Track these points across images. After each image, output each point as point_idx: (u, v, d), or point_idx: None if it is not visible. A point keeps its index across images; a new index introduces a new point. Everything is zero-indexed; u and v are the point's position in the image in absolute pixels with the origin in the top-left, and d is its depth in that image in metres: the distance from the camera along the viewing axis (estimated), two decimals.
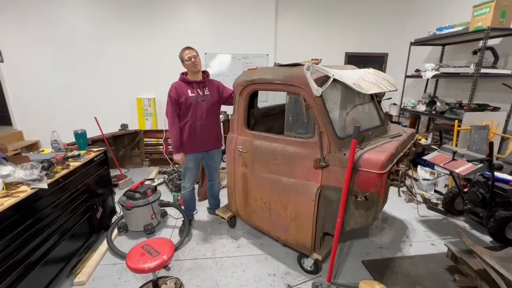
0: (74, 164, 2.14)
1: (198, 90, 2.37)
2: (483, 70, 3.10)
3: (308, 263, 2.10)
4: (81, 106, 4.53)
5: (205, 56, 4.56)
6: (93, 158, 2.39)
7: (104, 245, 2.43)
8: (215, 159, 2.66)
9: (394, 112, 4.89)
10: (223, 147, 2.81)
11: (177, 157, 2.42)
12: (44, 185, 1.71)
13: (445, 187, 3.42)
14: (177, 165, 3.76)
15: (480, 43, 3.18)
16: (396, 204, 3.24)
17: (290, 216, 2.05)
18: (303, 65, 1.76)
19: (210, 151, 2.58)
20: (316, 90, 1.69)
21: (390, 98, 4.42)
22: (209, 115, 2.42)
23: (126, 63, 4.50)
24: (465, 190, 2.84)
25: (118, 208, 2.91)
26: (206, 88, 2.42)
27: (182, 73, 2.43)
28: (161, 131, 4.59)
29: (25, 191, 1.63)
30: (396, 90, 2.03)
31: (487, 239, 2.55)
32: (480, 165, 2.24)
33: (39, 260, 1.72)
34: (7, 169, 1.69)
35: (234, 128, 2.36)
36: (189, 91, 2.34)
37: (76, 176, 2.14)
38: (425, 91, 4.50)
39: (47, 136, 2.57)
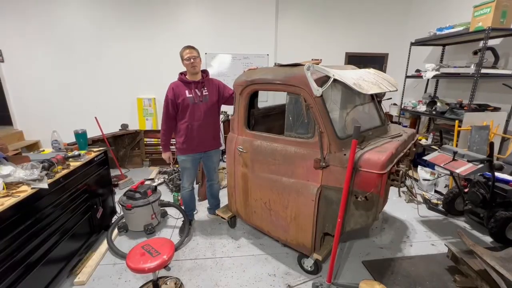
0: (74, 164, 2.15)
1: (196, 90, 2.36)
2: (483, 71, 3.10)
3: (308, 263, 2.10)
4: (81, 106, 4.54)
5: (206, 56, 4.56)
6: (94, 158, 2.39)
7: (104, 245, 2.43)
8: (213, 159, 2.65)
9: (394, 112, 4.89)
10: (222, 148, 2.80)
11: (165, 155, 2.53)
12: (44, 185, 1.71)
13: (445, 187, 3.42)
14: (177, 165, 3.76)
15: (481, 43, 3.18)
16: (396, 205, 3.23)
17: (290, 216, 2.05)
18: (304, 65, 1.76)
19: (208, 151, 2.57)
20: (317, 90, 1.69)
21: (391, 98, 4.40)
22: (207, 116, 2.41)
23: (126, 63, 4.50)
24: (466, 190, 2.83)
25: (118, 208, 2.91)
26: (205, 89, 2.40)
27: (181, 73, 2.42)
28: None
29: (25, 191, 1.63)
30: (396, 90, 2.03)
31: (488, 239, 2.55)
32: (481, 165, 2.24)
33: (39, 260, 1.72)
34: (7, 169, 1.69)
35: (234, 128, 2.36)
36: (186, 91, 2.33)
37: (77, 176, 2.14)
38: (425, 91, 4.50)
39: (48, 136, 2.57)
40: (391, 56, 5.21)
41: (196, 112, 2.37)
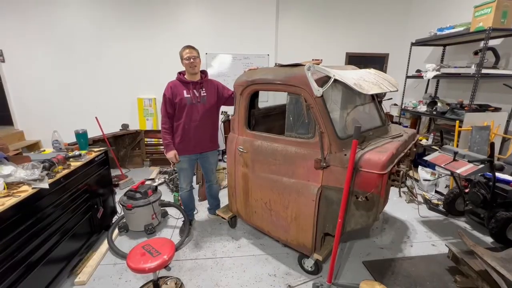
0: (75, 164, 2.15)
1: (194, 91, 2.34)
2: (484, 71, 3.10)
3: (309, 263, 2.10)
4: (82, 106, 4.54)
5: (206, 56, 4.56)
6: (94, 158, 2.39)
7: (104, 245, 2.43)
8: (210, 161, 2.63)
9: (395, 112, 4.88)
10: (219, 148, 2.79)
11: (169, 155, 2.39)
12: (45, 185, 1.71)
13: (446, 187, 3.42)
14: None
15: (481, 44, 3.18)
16: (397, 205, 3.23)
17: (290, 216, 2.05)
18: (304, 65, 1.76)
19: (205, 153, 2.55)
20: (317, 90, 1.69)
21: (391, 98, 4.40)
22: (204, 117, 2.39)
23: (127, 63, 4.50)
24: (466, 190, 2.83)
25: (118, 208, 2.91)
26: (203, 89, 2.39)
27: (179, 73, 2.41)
28: None
29: (26, 191, 1.63)
30: (397, 90, 2.03)
31: (488, 239, 2.55)
32: (481, 165, 2.24)
33: (40, 260, 1.72)
34: (8, 169, 1.70)
35: (235, 128, 2.36)
36: (184, 91, 2.32)
37: (77, 176, 2.15)
38: (426, 92, 4.49)
39: (48, 136, 2.57)
40: (392, 56, 5.20)
41: (193, 112, 2.35)
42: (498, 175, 2.58)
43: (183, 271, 2.15)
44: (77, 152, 2.33)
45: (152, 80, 4.60)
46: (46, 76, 4.36)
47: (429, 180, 3.52)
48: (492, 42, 3.23)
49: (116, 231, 2.63)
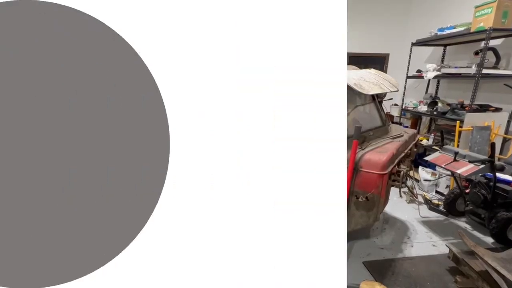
0: None
1: None
2: (484, 71, 3.09)
3: None
4: None
5: None
6: None
7: None
8: None
9: (395, 112, 4.88)
10: None
11: None
12: None
13: (446, 188, 3.41)
14: None
15: (482, 44, 3.18)
16: (397, 205, 3.22)
17: None
18: None
19: None
20: None
21: (391, 98, 4.41)
22: None
23: None
24: (467, 191, 2.83)
25: None
26: None
27: None
28: None
29: None
30: (397, 90, 2.03)
31: (489, 240, 2.55)
32: (482, 166, 2.23)
33: None
34: None
35: None
36: None
37: None
38: (426, 92, 4.49)
39: None
40: (392, 56, 5.20)
41: None
42: (499, 175, 2.57)
43: None
44: None
45: None
46: None
47: (429, 181, 3.52)
48: (492, 42, 3.23)
49: None
